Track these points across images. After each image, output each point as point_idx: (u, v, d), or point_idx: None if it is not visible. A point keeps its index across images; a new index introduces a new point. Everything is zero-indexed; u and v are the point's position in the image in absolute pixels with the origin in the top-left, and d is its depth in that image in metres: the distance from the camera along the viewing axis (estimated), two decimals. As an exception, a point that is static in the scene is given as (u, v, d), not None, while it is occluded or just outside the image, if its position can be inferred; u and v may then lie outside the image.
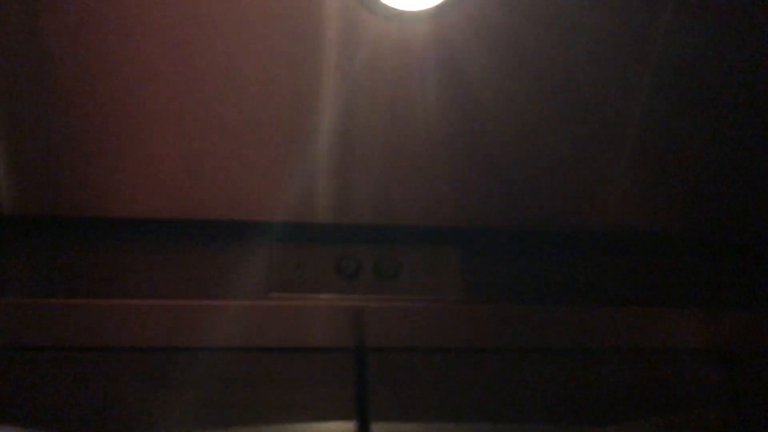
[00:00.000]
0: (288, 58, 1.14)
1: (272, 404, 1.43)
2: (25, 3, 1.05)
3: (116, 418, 1.38)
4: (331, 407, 1.44)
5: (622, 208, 1.38)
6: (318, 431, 1.43)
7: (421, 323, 1.45)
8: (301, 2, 1.10)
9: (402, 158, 1.29)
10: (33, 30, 1.07)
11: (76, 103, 1.16)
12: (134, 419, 1.39)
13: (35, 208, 1.30)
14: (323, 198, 1.34)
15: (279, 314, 1.40)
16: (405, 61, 1.16)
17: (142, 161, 1.24)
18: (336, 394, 1.46)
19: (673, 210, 1.41)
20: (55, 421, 1.37)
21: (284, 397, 1.44)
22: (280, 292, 1.36)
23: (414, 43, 1.14)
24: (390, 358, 1.50)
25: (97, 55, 1.10)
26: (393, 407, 1.46)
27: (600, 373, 1.55)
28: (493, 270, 1.43)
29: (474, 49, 1.15)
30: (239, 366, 1.46)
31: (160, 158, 1.25)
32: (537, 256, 1.45)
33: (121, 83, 1.14)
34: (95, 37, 1.09)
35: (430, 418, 1.46)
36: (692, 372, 1.58)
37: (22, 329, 1.39)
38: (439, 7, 1.08)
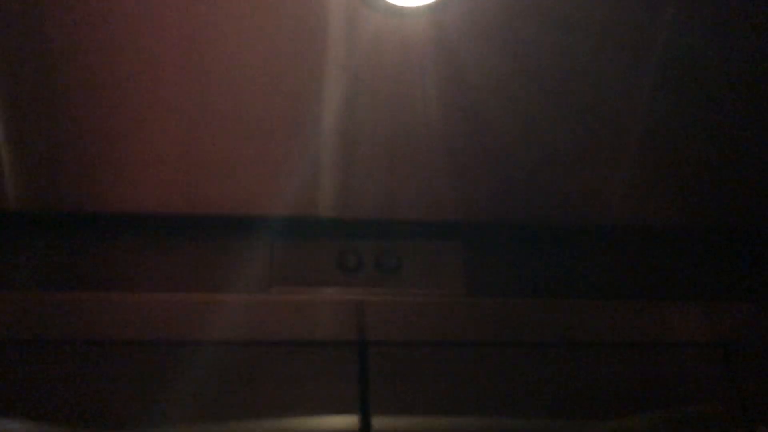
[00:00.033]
0: (289, 53, 1.14)
1: (273, 398, 1.44)
2: (26, 2, 1.05)
3: (118, 412, 1.39)
4: (333, 401, 1.45)
5: (623, 203, 1.38)
6: (319, 424, 1.43)
7: (422, 318, 1.46)
8: (302, -1, 1.10)
9: (403, 153, 1.29)
10: (35, 27, 1.07)
11: (78, 99, 1.16)
12: (136, 413, 1.39)
13: (38, 204, 1.31)
14: (325, 193, 1.34)
15: (280, 308, 1.40)
16: (405, 56, 1.16)
17: (145, 157, 1.25)
18: (337, 387, 1.46)
19: (674, 205, 1.41)
20: (56, 413, 1.38)
21: (285, 390, 1.45)
22: (282, 286, 1.36)
23: (414, 39, 1.13)
24: (391, 352, 1.51)
25: (99, 51, 1.10)
26: (394, 401, 1.46)
27: (601, 366, 1.55)
28: (494, 265, 1.43)
29: (474, 45, 1.15)
30: (241, 360, 1.46)
31: (162, 154, 1.25)
32: (537, 251, 1.45)
33: (123, 80, 1.14)
34: (96, 34, 1.09)
35: (430, 412, 1.47)
36: (693, 365, 1.59)
37: (25, 323, 1.40)
38: (438, 3, 1.08)
